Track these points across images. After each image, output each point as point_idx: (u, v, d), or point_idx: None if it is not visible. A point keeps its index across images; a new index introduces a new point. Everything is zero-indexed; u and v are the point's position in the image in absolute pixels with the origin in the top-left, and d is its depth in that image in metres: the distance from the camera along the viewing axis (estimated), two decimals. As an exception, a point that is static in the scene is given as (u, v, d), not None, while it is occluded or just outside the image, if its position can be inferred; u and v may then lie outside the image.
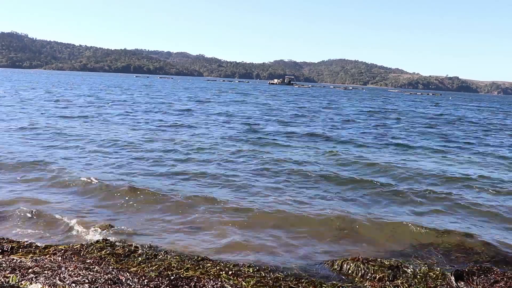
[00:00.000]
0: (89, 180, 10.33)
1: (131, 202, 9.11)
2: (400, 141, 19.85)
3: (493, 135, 25.64)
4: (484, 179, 12.41)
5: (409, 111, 45.85)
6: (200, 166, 12.68)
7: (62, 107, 30.41)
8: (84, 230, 7.44)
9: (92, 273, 4.99)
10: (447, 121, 34.79)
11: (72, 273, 4.92)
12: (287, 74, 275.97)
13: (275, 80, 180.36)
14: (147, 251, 6.37)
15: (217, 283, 5.15)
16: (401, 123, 30.59)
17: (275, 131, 21.65)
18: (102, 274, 5.02)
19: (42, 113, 25.15)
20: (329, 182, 11.43)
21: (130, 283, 4.85)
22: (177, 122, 24.23)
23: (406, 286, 5.62)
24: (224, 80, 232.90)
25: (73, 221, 7.72)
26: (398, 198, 10.23)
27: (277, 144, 17.55)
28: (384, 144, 18.84)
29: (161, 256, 6.19)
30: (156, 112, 30.25)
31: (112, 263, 5.72)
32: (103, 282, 4.73)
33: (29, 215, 7.98)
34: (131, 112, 29.08)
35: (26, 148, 14.34)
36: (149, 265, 5.71)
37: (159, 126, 22.10)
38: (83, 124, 21.37)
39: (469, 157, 16.43)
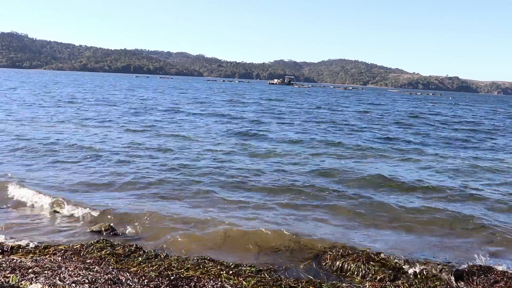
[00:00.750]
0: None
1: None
2: (399, 146, 19.36)
3: (493, 137, 25.63)
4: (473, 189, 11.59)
5: (407, 111, 45.83)
6: (180, 175, 11.79)
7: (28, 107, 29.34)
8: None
9: (92, 273, 4.99)
10: (445, 122, 34.81)
11: (72, 273, 4.91)
12: (287, 74, 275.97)
13: (275, 80, 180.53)
14: (147, 251, 6.36)
15: (217, 283, 5.14)
16: (399, 124, 30.57)
17: (268, 133, 21.20)
18: (102, 274, 5.01)
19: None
20: (315, 193, 10.52)
21: (130, 283, 4.84)
22: (160, 124, 23.57)
23: (407, 286, 5.60)
24: (224, 80, 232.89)
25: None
26: (381, 213, 9.33)
27: (266, 148, 16.81)
28: (379, 148, 18.20)
29: (161, 256, 6.18)
30: (144, 113, 29.69)
31: (112, 263, 5.71)
32: (103, 282, 4.72)
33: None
34: (113, 112, 28.56)
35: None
36: (149, 265, 5.70)
37: (143, 127, 21.51)
38: (59, 127, 20.45)
39: (469, 161, 16.28)
